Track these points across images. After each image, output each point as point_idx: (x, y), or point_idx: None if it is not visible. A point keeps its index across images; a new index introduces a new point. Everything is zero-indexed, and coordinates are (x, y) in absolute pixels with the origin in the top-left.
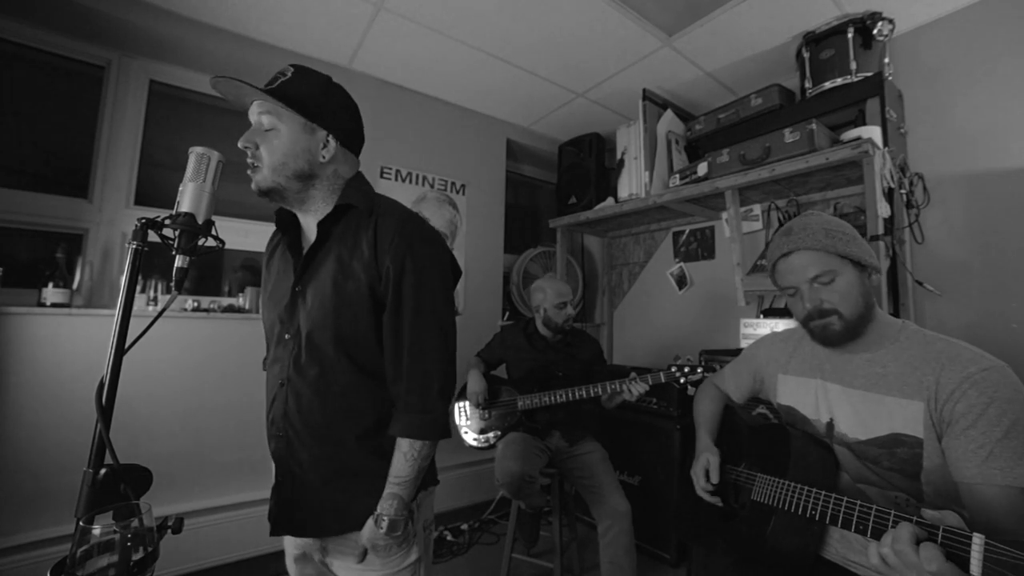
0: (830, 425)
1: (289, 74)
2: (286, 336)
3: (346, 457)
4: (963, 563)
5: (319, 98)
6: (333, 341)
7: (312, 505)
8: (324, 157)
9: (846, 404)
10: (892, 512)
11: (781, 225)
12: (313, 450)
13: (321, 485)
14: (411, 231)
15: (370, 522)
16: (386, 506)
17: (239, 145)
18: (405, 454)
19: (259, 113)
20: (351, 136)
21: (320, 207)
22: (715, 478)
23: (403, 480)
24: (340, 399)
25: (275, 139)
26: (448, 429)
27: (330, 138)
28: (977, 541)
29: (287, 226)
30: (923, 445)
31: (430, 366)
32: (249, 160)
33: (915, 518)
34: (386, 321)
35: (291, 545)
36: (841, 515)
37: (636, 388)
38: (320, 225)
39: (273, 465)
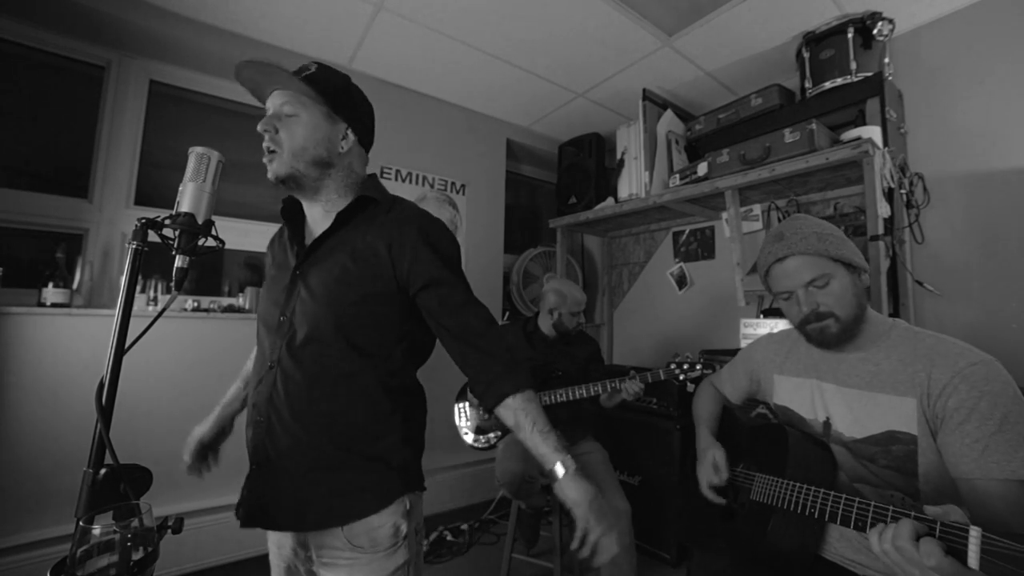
0: (826, 424)
1: (313, 68)
2: (281, 318)
3: (329, 448)
4: (961, 556)
5: (342, 92)
6: (333, 321)
7: (288, 496)
8: (343, 148)
9: (841, 403)
10: (890, 508)
11: None
12: (296, 437)
13: (299, 475)
14: (433, 226)
15: (562, 481)
16: (555, 452)
17: (259, 128)
18: (518, 399)
19: (281, 103)
20: (367, 134)
21: (333, 198)
22: (724, 473)
23: (539, 416)
24: (333, 385)
25: (296, 124)
26: (530, 374)
27: (349, 131)
28: (974, 534)
29: (291, 215)
30: (917, 442)
31: (493, 332)
32: (266, 145)
33: (914, 513)
34: (433, 310)
35: (276, 557)
36: (840, 512)
37: (633, 387)
38: (339, 215)
39: (247, 455)
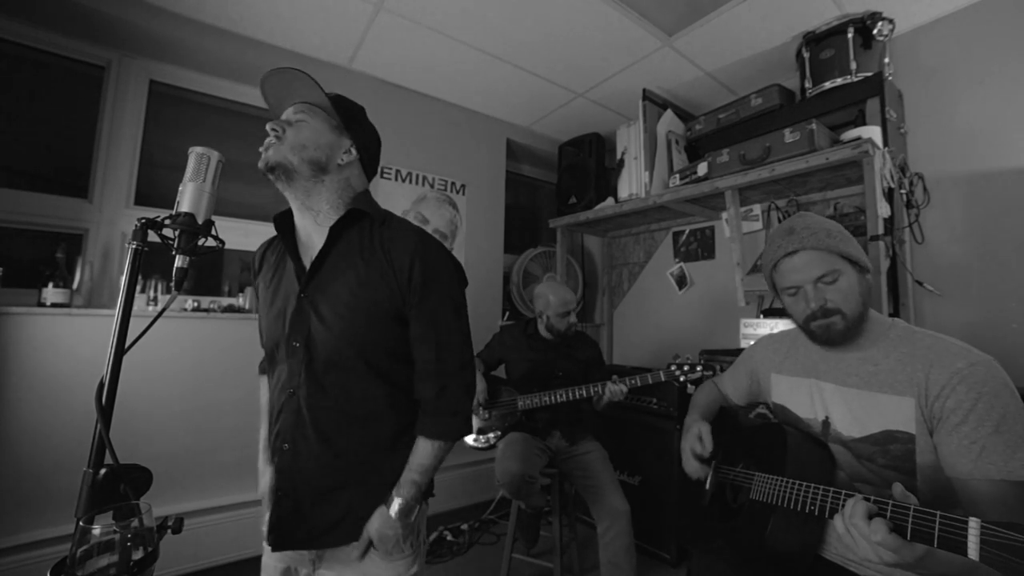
0: (825, 423)
1: (331, 94)
2: (295, 344)
3: (356, 465)
4: (959, 547)
5: (353, 112)
6: (353, 347)
7: (319, 517)
8: (343, 160)
9: (841, 403)
10: (890, 502)
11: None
12: (323, 459)
13: (328, 494)
14: (428, 244)
15: (380, 510)
16: (403, 491)
17: (268, 127)
18: (431, 445)
19: (293, 111)
20: (370, 159)
21: (325, 210)
22: (709, 445)
23: (426, 469)
24: (357, 405)
25: (303, 127)
26: (470, 426)
27: (353, 148)
28: (973, 525)
29: (284, 232)
30: (915, 441)
31: (458, 369)
32: (269, 139)
33: (872, 498)
34: (415, 329)
35: (273, 559)
36: (840, 508)
37: (615, 389)
38: (332, 229)
39: (273, 481)
